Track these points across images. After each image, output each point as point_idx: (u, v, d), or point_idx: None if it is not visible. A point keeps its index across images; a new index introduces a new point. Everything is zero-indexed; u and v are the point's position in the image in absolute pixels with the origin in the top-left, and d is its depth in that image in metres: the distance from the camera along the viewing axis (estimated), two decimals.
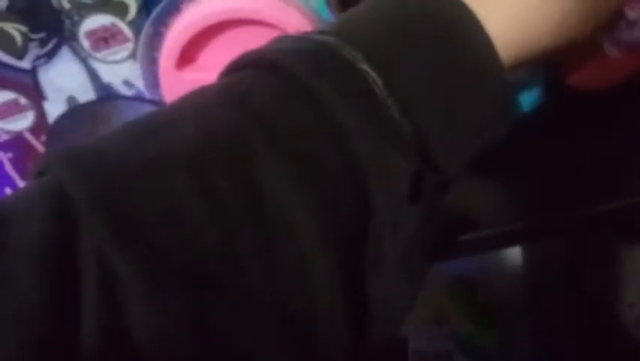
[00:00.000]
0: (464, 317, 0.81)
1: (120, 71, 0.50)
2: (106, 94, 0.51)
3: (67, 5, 0.47)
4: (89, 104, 0.51)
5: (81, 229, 0.24)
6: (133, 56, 0.49)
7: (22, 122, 0.52)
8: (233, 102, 0.28)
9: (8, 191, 0.56)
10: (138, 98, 0.51)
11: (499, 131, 0.32)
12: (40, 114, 0.52)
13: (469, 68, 0.29)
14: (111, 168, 0.25)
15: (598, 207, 0.51)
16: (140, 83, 0.50)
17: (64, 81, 0.50)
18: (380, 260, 0.28)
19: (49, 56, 0.49)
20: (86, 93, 0.51)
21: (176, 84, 0.48)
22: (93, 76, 0.50)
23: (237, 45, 0.47)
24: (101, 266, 0.23)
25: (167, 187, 0.25)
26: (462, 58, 0.29)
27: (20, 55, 0.49)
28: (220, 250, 0.25)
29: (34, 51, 0.49)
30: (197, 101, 0.29)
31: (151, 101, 0.51)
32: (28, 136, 0.53)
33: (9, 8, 0.46)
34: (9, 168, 0.55)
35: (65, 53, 0.49)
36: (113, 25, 0.47)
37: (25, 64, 0.49)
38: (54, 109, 0.51)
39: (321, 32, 0.31)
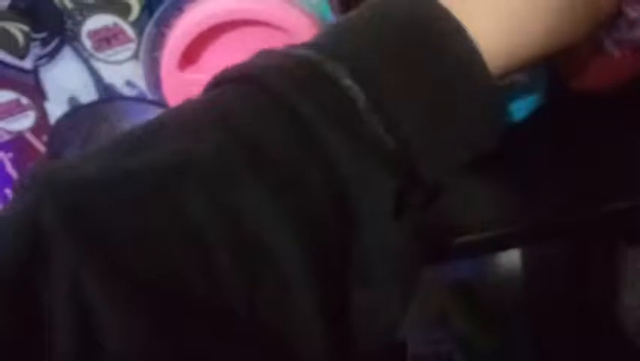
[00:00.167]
0: (464, 319, 0.81)
1: (122, 71, 0.49)
2: (108, 94, 0.51)
3: (69, 5, 0.46)
4: (91, 105, 0.51)
5: (52, 251, 0.23)
6: (135, 56, 0.49)
7: (24, 123, 0.52)
8: (215, 121, 0.28)
9: (8, 192, 0.56)
10: (140, 99, 0.51)
11: (487, 141, 0.32)
12: (42, 114, 0.51)
13: (454, 79, 0.29)
14: (86, 189, 0.25)
15: (599, 210, 0.51)
16: (142, 84, 0.50)
17: (66, 81, 0.50)
18: (365, 274, 0.28)
19: (51, 55, 0.49)
20: (87, 93, 0.51)
21: (179, 85, 0.48)
22: (95, 76, 0.50)
23: (239, 46, 0.47)
24: (74, 294, 0.23)
25: (144, 209, 0.25)
26: (447, 69, 0.29)
27: (22, 54, 0.48)
28: (197, 274, 0.24)
29: (35, 51, 0.48)
30: (180, 119, 0.29)
31: (153, 102, 0.51)
32: (30, 136, 0.53)
33: (11, 7, 0.46)
34: (10, 168, 0.54)
35: (67, 53, 0.49)
36: (116, 25, 0.47)
37: (27, 64, 0.49)
38: (55, 109, 0.51)
39: (305, 46, 0.30)
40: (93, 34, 0.48)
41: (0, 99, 0.50)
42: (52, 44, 0.48)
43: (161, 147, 0.26)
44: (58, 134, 0.53)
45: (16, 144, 0.53)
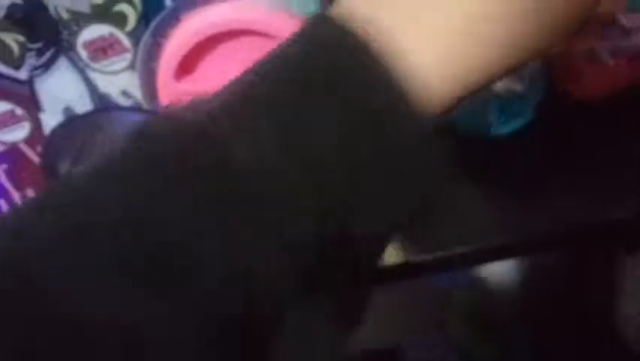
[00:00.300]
0: (463, 328, 0.81)
1: (118, 81, 0.49)
2: (103, 104, 0.50)
3: (65, 15, 0.46)
4: (86, 115, 0.51)
5: None
6: (131, 66, 0.48)
7: (18, 133, 0.51)
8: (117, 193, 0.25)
9: (2, 203, 0.55)
10: (136, 109, 0.51)
11: (429, 189, 0.28)
12: (36, 125, 0.51)
13: (378, 123, 0.26)
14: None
15: (598, 218, 0.51)
16: (138, 94, 0.50)
17: (61, 92, 0.49)
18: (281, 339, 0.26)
19: (47, 66, 0.48)
20: (83, 104, 0.50)
21: (175, 95, 0.48)
22: (90, 86, 0.49)
23: (235, 56, 0.47)
24: None
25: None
26: (369, 113, 0.26)
27: (17, 65, 0.48)
28: None
29: (31, 61, 0.48)
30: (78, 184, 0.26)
31: (149, 112, 0.51)
32: (24, 147, 0.52)
33: (7, 17, 0.46)
34: (3, 179, 0.54)
35: (63, 63, 0.48)
36: (112, 35, 0.47)
37: (22, 74, 0.48)
38: (50, 120, 0.51)
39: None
40: (89, 44, 0.47)
41: None
42: (48, 55, 0.48)
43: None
44: (52, 144, 0.52)
45: (10, 155, 0.52)
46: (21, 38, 0.47)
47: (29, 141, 0.52)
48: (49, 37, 0.47)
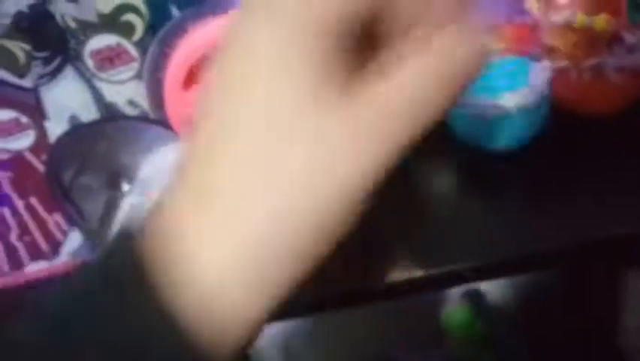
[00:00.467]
0: (463, 341, 0.81)
1: (125, 90, 0.49)
2: (109, 114, 0.50)
3: (72, 24, 0.46)
4: (92, 124, 0.51)
5: None
6: (138, 76, 0.48)
7: (23, 142, 0.51)
8: None
9: (5, 211, 0.55)
10: (142, 119, 0.51)
11: None
12: (42, 133, 0.51)
13: None
14: None
15: (601, 234, 0.51)
16: (144, 104, 0.50)
17: (67, 100, 0.49)
18: None
19: (53, 74, 0.48)
20: (88, 112, 0.50)
21: (181, 105, 0.48)
22: (97, 95, 0.49)
23: None
24: None
25: None
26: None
27: (23, 73, 0.48)
28: None
29: (37, 70, 0.48)
30: None
31: (155, 122, 0.51)
32: (29, 155, 0.52)
33: (13, 26, 0.46)
34: (7, 187, 0.54)
35: (69, 72, 0.48)
36: (119, 45, 0.47)
37: (28, 82, 0.48)
38: (55, 128, 0.51)
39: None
40: (96, 53, 0.47)
41: (0, 117, 0.50)
42: (54, 63, 0.48)
43: None
44: (57, 153, 0.52)
45: (15, 163, 0.52)
46: (27, 47, 0.47)
47: (34, 149, 0.51)
48: (56, 46, 0.47)
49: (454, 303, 0.85)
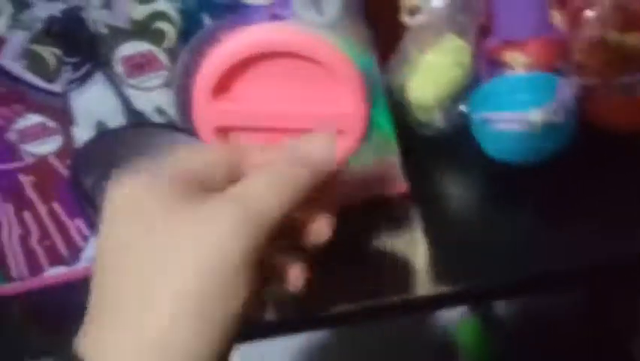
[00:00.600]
0: (474, 357, 0.80)
1: (153, 98, 0.49)
2: (137, 120, 0.50)
3: (104, 30, 0.46)
4: (119, 130, 0.50)
5: None
6: (167, 83, 0.48)
7: (49, 146, 0.51)
8: None
9: (27, 215, 0.55)
10: (169, 126, 0.50)
11: None
12: (68, 138, 0.51)
13: None
14: None
15: (623, 252, 0.51)
16: (172, 111, 0.50)
17: (95, 106, 0.49)
18: None
19: (82, 80, 0.48)
20: (116, 119, 0.50)
21: (210, 114, 0.47)
22: (125, 102, 0.49)
23: (273, 77, 0.47)
24: None
25: None
26: None
27: (52, 78, 0.48)
28: None
29: (66, 75, 0.48)
30: None
31: (182, 130, 0.51)
32: (53, 160, 0.52)
33: (45, 31, 0.46)
34: (30, 191, 0.53)
35: (98, 77, 0.48)
36: (149, 52, 0.47)
37: (57, 87, 0.48)
38: (82, 134, 0.50)
39: None
40: (126, 60, 0.47)
41: (27, 122, 0.49)
42: (84, 69, 0.48)
43: None
44: (82, 158, 0.52)
45: (39, 167, 0.52)
46: (58, 52, 0.47)
47: (59, 154, 0.51)
48: (87, 52, 0.47)
49: (465, 319, 0.85)
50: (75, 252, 0.57)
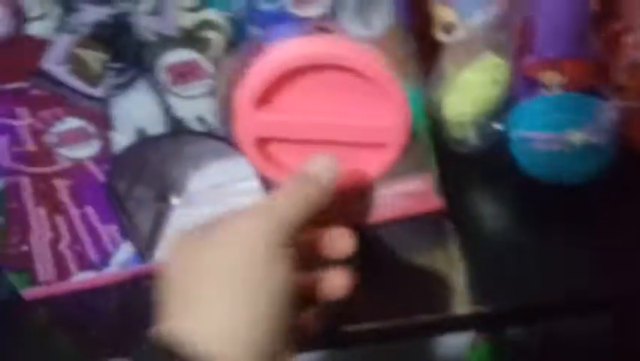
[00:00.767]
0: None
1: (195, 106, 0.49)
2: (176, 128, 0.50)
3: (151, 37, 0.46)
4: (158, 138, 0.50)
5: None
6: (210, 92, 0.48)
7: (86, 151, 0.51)
8: None
9: (59, 219, 0.55)
10: (209, 135, 0.50)
11: None
12: (106, 144, 0.50)
13: None
14: None
15: None
16: (213, 120, 0.50)
17: (136, 112, 0.49)
18: None
19: (125, 86, 0.48)
20: (156, 126, 0.50)
21: (252, 124, 0.47)
22: (166, 109, 0.49)
23: (316, 89, 0.47)
24: None
25: None
26: None
27: (95, 83, 0.48)
28: None
29: (110, 80, 0.48)
30: None
31: (222, 139, 0.51)
32: (90, 165, 0.52)
33: (93, 35, 0.46)
34: (64, 195, 0.53)
35: (142, 84, 0.48)
36: (195, 60, 0.47)
37: (99, 92, 0.48)
38: (121, 139, 0.50)
39: None
40: (171, 67, 0.47)
41: (66, 126, 0.49)
42: (128, 75, 0.48)
43: None
44: (121, 164, 0.52)
45: (75, 171, 0.52)
46: (103, 57, 0.47)
47: (96, 159, 0.51)
48: (132, 58, 0.47)
49: (476, 343, 0.84)
50: (105, 257, 0.57)
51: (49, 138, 0.50)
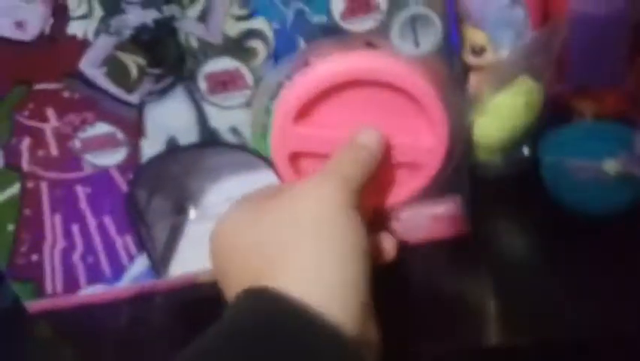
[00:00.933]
0: None
1: (230, 117, 0.47)
2: (209, 139, 0.48)
3: (194, 44, 0.44)
4: (188, 148, 0.49)
5: None
6: (247, 103, 0.47)
7: (113, 158, 0.49)
8: None
9: (75, 228, 0.52)
10: (241, 147, 0.49)
11: None
12: (134, 152, 0.48)
13: None
14: None
15: None
16: (247, 132, 0.48)
17: (169, 121, 0.47)
18: None
19: (161, 93, 0.46)
20: (188, 135, 0.48)
21: (288, 138, 0.46)
22: (201, 119, 0.47)
23: (356, 105, 0.46)
24: None
25: None
26: None
27: (131, 88, 0.46)
28: None
29: (146, 86, 0.46)
30: None
31: (253, 152, 0.49)
32: (115, 173, 0.50)
33: (133, 39, 0.44)
34: (83, 203, 0.51)
35: (179, 92, 0.46)
36: (237, 69, 0.45)
37: (134, 98, 0.46)
38: (150, 148, 0.48)
39: None
40: (211, 76, 0.46)
41: (96, 131, 0.47)
42: (166, 82, 0.46)
43: None
44: (147, 173, 0.50)
45: (98, 179, 0.50)
46: (142, 61, 0.45)
47: (122, 167, 0.49)
48: (172, 65, 0.45)
49: None
50: (118, 271, 0.54)
51: (75, 143, 0.48)
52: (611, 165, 0.50)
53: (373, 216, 0.47)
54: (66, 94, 0.46)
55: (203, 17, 0.44)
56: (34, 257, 0.53)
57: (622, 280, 0.50)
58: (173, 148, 0.49)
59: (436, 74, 0.46)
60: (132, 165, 0.49)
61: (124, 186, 0.50)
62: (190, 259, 0.57)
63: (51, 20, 0.43)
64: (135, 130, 0.48)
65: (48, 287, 0.55)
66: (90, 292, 0.55)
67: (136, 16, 0.43)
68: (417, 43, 0.46)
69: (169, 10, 0.43)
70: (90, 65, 0.45)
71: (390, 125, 0.46)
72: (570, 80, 0.53)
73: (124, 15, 0.43)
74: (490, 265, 0.53)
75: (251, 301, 0.34)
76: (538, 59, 0.53)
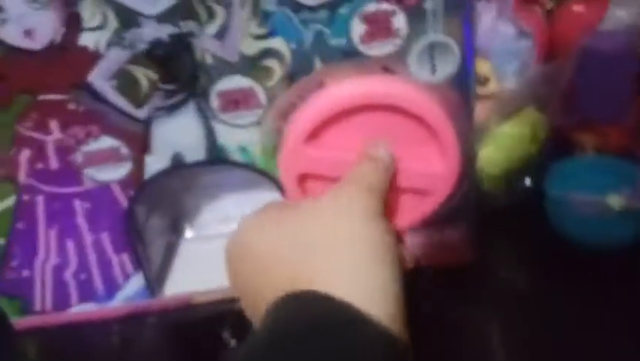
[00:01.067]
0: None
1: (239, 135, 0.46)
2: (216, 157, 0.47)
3: (210, 61, 0.44)
4: (194, 165, 0.47)
5: None
6: (258, 122, 0.46)
7: (115, 173, 0.47)
8: None
9: (70, 244, 0.51)
10: (248, 166, 0.48)
11: None
12: (138, 167, 0.47)
13: None
14: None
15: None
16: (255, 151, 0.47)
17: (177, 137, 0.46)
18: None
19: (171, 109, 0.45)
20: (195, 152, 0.47)
21: (298, 159, 0.45)
22: (210, 137, 0.46)
23: (367, 129, 0.45)
24: None
25: None
26: None
27: (140, 103, 0.45)
28: None
29: (156, 101, 0.45)
30: None
31: (260, 171, 0.48)
32: (116, 188, 0.48)
33: (147, 53, 0.43)
34: (81, 218, 0.49)
35: (189, 108, 0.45)
36: (251, 88, 0.45)
37: (142, 113, 0.45)
38: (155, 164, 0.47)
39: None
40: (224, 94, 0.45)
41: (99, 145, 0.46)
42: (177, 98, 0.45)
43: None
44: (149, 190, 0.49)
45: (98, 194, 0.48)
46: (153, 76, 0.44)
47: (123, 182, 0.48)
48: (184, 81, 0.44)
49: None
50: (112, 289, 0.53)
51: (77, 157, 0.46)
52: (615, 200, 0.50)
53: None
54: (72, 106, 0.44)
55: (220, 34, 0.43)
56: (25, 273, 0.51)
57: (623, 312, 0.50)
58: (178, 165, 0.47)
59: (450, 102, 0.46)
60: (135, 181, 0.48)
61: (124, 203, 0.49)
62: (185, 279, 0.55)
63: (62, 30, 0.42)
64: (141, 145, 0.46)
65: (37, 304, 0.53)
66: (79, 311, 0.54)
67: (151, 30, 0.42)
68: (434, 71, 0.45)
69: (186, 26, 0.42)
70: (100, 78, 0.43)
71: (402, 151, 0.46)
72: (574, 113, 0.53)
73: (139, 29, 0.42)
74: (491, 293, 0.53)
75: (296, 303, 0.33)
76: (544, 91, 0.53)
